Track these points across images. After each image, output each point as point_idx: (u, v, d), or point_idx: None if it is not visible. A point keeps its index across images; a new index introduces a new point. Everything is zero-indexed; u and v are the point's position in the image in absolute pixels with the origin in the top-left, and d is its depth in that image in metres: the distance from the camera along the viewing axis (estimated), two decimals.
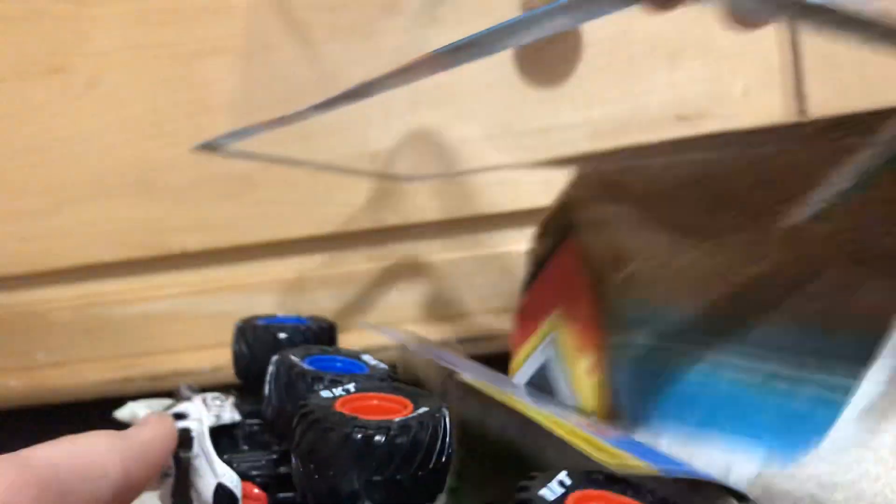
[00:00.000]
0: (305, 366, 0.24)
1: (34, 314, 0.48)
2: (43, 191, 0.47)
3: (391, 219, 0.46)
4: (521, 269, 0.42)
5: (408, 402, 0.21)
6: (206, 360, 0.47)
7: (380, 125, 0.46)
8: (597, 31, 0.44)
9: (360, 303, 0.47)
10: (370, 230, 0.47)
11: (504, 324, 0.46)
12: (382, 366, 0.26)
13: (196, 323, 0.47)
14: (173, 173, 0.47)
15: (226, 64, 0.46)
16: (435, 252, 0.47)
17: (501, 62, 0.45)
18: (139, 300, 0.48)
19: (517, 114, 0.45)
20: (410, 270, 0.46)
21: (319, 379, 0.23)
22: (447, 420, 0.20)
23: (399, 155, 0.46)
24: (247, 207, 0.46)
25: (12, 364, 0.49)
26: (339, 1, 0.45)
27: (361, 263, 0.47)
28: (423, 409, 0.20)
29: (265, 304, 0.47)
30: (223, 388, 0.36)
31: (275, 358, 0.25)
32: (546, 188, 0.45)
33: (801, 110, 0.45)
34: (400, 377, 0.26)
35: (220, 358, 0.47)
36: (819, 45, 0.44)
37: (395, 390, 0.22)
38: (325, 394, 0.21)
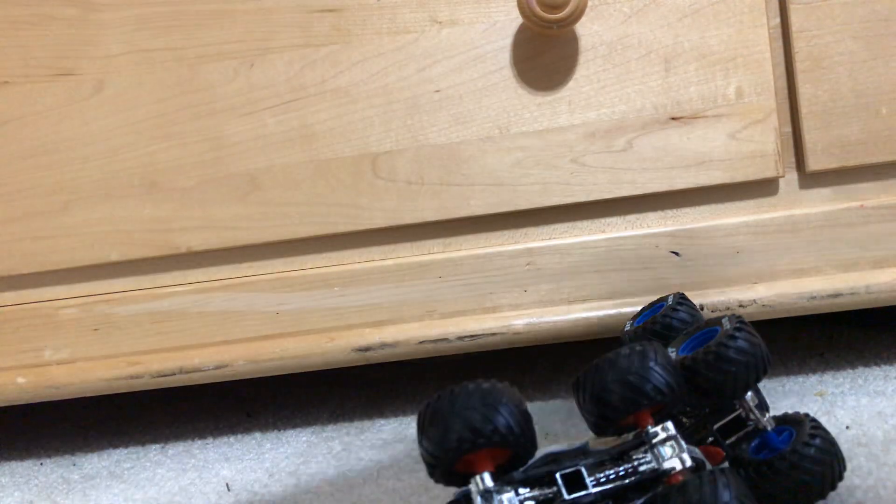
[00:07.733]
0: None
1: (42, 312, 0.49)
2: (51, 191, 0.48)
3: (393, 218, 0.47)
4: (519, 269, 0.43)
5: None
6: (211, 358, 0.48)
7: (380, 127, 0.46)
8: (593, 37, 0.45)
9: (363, 302, 0.48)
10: (374, 230, 0.47)
11: (499, 322, 0.46)
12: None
13: (201, 321, 0.48)
14: (179, 174, 0.47)
15: (230, 67, 0.47)
16: (436, 251, 0.48)
17: (500, 66, 0.46)
18: (145, 298, 0.49)
19: (516, 116, 0.46)
20: (413, 269, 0.47)
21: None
22: None
23: (399, 157, 0.46)
24: (250, 207, 0.47)
25: (20, 361, 0.49)
26: (341, 3, 0.46)
27: (365, 262, 0.48)
28: None
29: (268, 303, 0.48)
30: None
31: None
32: (543, 189, 0.46)
33: (795, 111, 0.45)
34: None
35: (224, 355, 0.48)
36: (812, 47, 0.44)
37: None
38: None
